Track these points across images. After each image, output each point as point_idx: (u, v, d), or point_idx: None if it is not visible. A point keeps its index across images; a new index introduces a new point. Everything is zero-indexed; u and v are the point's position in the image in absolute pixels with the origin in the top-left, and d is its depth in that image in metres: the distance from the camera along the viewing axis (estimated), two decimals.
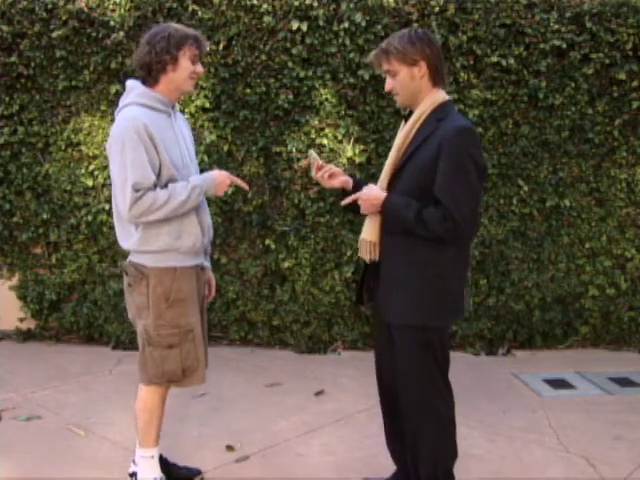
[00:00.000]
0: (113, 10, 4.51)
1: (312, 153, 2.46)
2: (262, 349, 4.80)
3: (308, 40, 4.45)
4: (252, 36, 4.49)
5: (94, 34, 4.51)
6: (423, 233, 2.27)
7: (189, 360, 2.61)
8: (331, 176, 2.46)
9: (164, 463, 2.84)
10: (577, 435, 3.41)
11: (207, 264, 2.80)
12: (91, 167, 4.65)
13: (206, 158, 4.53)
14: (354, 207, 2.55)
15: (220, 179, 2.59)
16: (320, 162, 2.45)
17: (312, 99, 4.53)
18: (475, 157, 2.27)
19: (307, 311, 4.73)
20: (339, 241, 4.64)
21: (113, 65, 4.52)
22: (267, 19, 4.42)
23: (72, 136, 4.65)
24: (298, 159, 4.56)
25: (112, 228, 4.49)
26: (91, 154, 4.66)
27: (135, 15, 4.46)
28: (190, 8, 4.47)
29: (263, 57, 4.49)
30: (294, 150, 4.55)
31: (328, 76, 4.50)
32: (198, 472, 2.95)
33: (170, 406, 3.17)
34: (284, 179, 4.60)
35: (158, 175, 2.46)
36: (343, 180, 2.51)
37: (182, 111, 4.42)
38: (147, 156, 2.41)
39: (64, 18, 4.49)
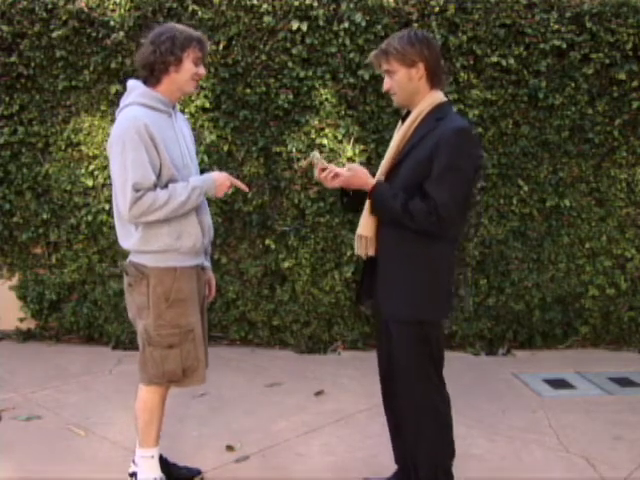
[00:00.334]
0: (113, 10, 4.51)
1: (316, 154, 2.47)
2: (262, 349, 4.80)
3: (308, 40, 4.45)
4: (252, 36, 4.49)
5: (94, 34, 4.51)
6: (410, 225, 2.31)
7: (189, 360, 2.61)
8: (334, 177, 2.48)
9: (164, 463, 2.84)
10: (577, 435, 3.41)
11: (207, 264, 2.80)
12: (91, 167, 4.66)
13: (206, 158, 4.53)
14: (354, 206, 2.56)
15: (220, 180, 2.60)
16: (324, 163, 2.46)
17: (312, 99, 4.53)
18: (471, 157, 2.30)
19: (307, 311, 4.73)
20: (339, 241, 4.64)
21: (113, 65, 4.52)
22: (267, 19, 4.42)
23: (72, 136, 4.65)
24: (298, 159, 4.57)
25: (112, 228, 4.49)
26: (91, 154, 4.66)
27: (135, 15, 4.46)
28: (190, 8, 4.47)
29: (263, 57, 4.49)
30: (294, 150, 4.55)
31: (328, 76, 4.50)
32: (198, 472, 2.95)
33: (170, 406, 3.16)
34: (284, 179, 4.60)
35: (158, 175, 2.46)
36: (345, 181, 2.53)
37: (182, 111, 4.42)
38: (148, 156, 2.41)
39: (64, 18, 4.49)
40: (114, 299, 4.73)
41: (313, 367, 4.43)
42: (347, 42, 4.46)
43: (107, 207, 4.62)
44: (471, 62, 4.53)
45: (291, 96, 4.50)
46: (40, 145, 4.70)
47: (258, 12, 4.45)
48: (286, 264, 4.64)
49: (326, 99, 4.52)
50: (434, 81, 2.39)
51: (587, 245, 4.77)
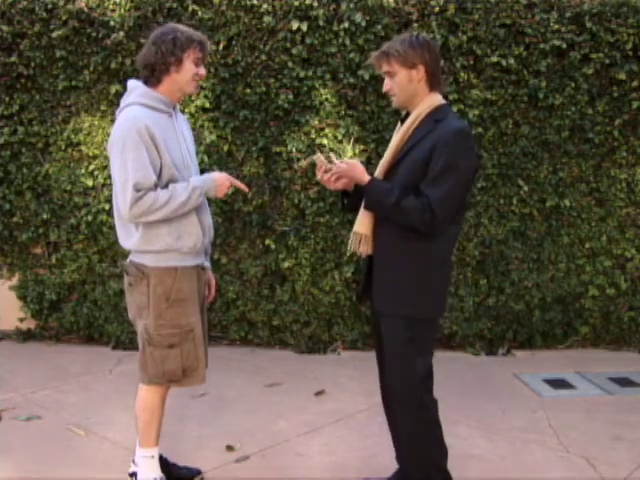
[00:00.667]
0: (113, 10, 4.51)
1: (320, 156, 2.48)
2: (262, 349, 4.80)
3: (308, 40, 4.45)
4: (252, 36, 4.49)
5: (94, 34, 4.51)
6: (400, 220, 2.34)
7: (189, 360, 2.61)
8: (337, 179, 2.49)
9: (164, 463, 2.84)
10: (577, 435, 3.42)
11: (207, 264, 2.80)
12: (91, 167, 4.65)
13: (206, 158, 4.53)
14: (355, 207, 2.56)
15: (220, 180, 2.60)
16: (327, 165, 2.47)
17: (312, 99, 4.53)
18: (469, 158, 2.33)
19: (307, 311, 4.73)
20: (339, 241, 4.64)
21: (113, 65, 4.52)
22: (267, 19, 4.42)
23: (72, 136, 4.65)
24: (298, 159, 4.57)
25: (112, 228, 4.49)
26: (91, 154, 4.66)
27: (135, 15, 4.46)
28: (190, 8, 4.47)
29: (263, 57, 4.49)
30: (294, 150, 4.55)
31: (328, 76, 4.50)
32: (198, 472, 2.95)
33: (170, 406, 3.17)
34: (284, 179, 4.60)
35: (159, 175, 2.47)
36: (346, 182, 2.53)
37: (182, 111, 4.42)
38: (148, 156, 2.41)
39: (64, 18, 4.49)
40: (114, 299, 4.73)
41: (313, 367, 4.43)
42: (347, 42, 4.46)
43: (107, 207, 4.62)
44: (471, 62, 4.53)
45: (291, 96, 4.50)
46: (40, 145, 4.70)
47: (258, 12, 4.45)
48: (286, 264, 4.64)
49: (326, 99, 4.52)
50: (433, 83, 2.43)
51: (587, 245, 4.78)
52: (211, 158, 4.56)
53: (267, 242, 4.65)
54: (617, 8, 4.54)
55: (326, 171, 2.47)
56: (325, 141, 4.53)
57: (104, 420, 3.52)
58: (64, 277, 4.79)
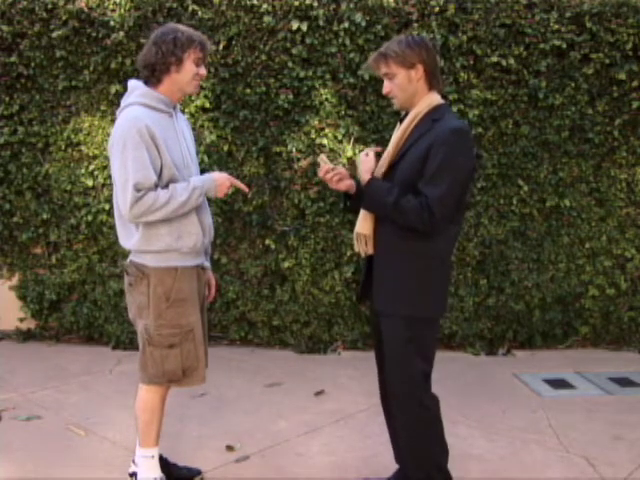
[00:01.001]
0: (113, 10, 4.51)
1: (323, 157, 2.49)
2: (262, 349, 4.80)
3: (308, 40, 4.45)
4: (252, 36, 4.50)
5: (94, 34, 4.51)
6: (398, 219, 2.34)
7: (189, 360, 2.61)
8: (339, 179, 2.49)
9: (164, 463, 2.84)
10: (577, 435, 3.42)
11: (207, 264, 2.80)
12: (91, 167, 4.66)
13: (206, 158, 4.53)
14: (356, 209, 2.56)
15: (220, 180, 2.60)
16: (330, 165, 2.47)
17: (312, 99, 4.53)
18: (467, 157, 2.33)
19: (307, 311, 4.73)
20: (339, 241, 4.65)
21: (113, 65, 4.52)
22: (267, 19, 4.42)
23: (72, 136, 4.65)
24: (298, 159, 4.57)
25: (112, 228, 4.49)
26: (91, 154, 4.66)
27: (135, 15, 4.46)
28: (190, 8, 4.47)
29: (263, 57, 4.49)
30: (294, 150, 4.55)
31: (328, 76, 4.51)
32: (198, 472, 2.95)
33: (170, 406, 3.17)
34: (284, 179, 4.61)
35: (159, 175, 2.47)
36: (349, 184, 2.54)
37: (182, 111, 4.40)
38: (149, 156, 2.41)
39: (64, 18, 4.49)
40: (114, 299, 4.73)
41: (313, 367, 4.43)
42: (347, 42, 4.46)
43: (107, 207, 4.62)
44: (471, 62, 4.53)
45: (291, 96, 4.50)
46: (40, 145, 4.70)
47: (258, 12, 4.46)
48: (286, 264, 4.64)
49: (326, 99, 4.52)
50: (432, 83, 2.43)
51: (587, 245, 4.78)
52: (211, 158, 4.56)
53: (267, 242, 4.65)
54: (617, 8, 4.55)
55: (329, 171, 2.46)
56: (325, 141, 4.53)
57: (104, 420, 3.52)
58: (64, 277, 4.79)
